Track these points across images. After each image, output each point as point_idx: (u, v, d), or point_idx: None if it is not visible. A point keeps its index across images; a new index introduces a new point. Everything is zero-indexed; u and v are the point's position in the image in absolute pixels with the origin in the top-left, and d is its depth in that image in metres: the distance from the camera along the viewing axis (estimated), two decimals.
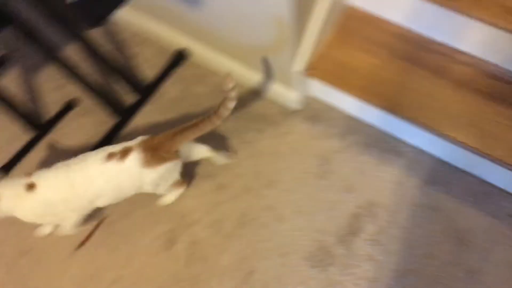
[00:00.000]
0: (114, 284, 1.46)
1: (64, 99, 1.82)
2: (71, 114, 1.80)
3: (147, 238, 1.52)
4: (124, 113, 1.75)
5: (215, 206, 1.56)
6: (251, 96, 1.76)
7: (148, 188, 1.39)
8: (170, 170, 1.38)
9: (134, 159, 1.30)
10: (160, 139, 1.34)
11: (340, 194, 1.54)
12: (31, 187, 1.30)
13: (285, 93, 1.69)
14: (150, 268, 1.47)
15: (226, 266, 1.46)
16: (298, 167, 1.61)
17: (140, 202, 1.56)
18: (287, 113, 1.72)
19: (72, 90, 1.83)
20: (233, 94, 1.31)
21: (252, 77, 1.72)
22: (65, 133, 1.75)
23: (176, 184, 1.50)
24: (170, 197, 1.57)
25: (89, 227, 1.56)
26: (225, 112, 1.33)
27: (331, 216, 1.51)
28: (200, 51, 1.81)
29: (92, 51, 1.53)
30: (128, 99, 1.78)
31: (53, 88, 1.86)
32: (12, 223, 1.44)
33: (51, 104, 1.82)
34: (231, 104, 1.32)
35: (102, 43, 1.92)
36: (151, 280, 1.45)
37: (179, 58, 1.87)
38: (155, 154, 1.32)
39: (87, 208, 1.41)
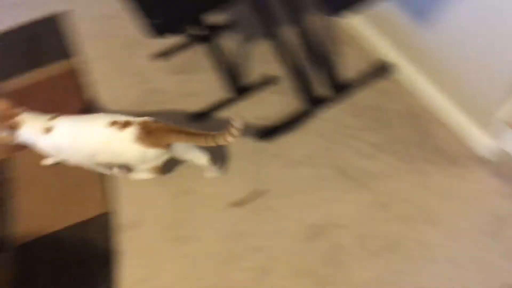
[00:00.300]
0: (254, 250, 1.54)
1: (266, 73, 1.96)
2: (266, 89, 1.93)
3: (296, 223, 1.58)
4: (314, 104, 1.82)
5: (369, 220, 1.55)
6: (435, 124, 1.69)
7: (130, 162, 1.57)
8: (154, 156, 1.53)
9: (130, 133, 1.48)
10: (158, 127, 1.49)
11: (502, 261, 1.42)
12: (48, 130, 1.54)
13: (479, 136, 1.59)
14: (289, 252, 1.53)
15: (360, 282, 1.45)
16: (466, 216, 1.51)
17: (303, 188, 1.63)
18: (472, 157, 1.62)
19: (276, 68, 1.96)
20: (236, 133, 1.42)
21: (443, 103, 1.66)
22: (253, 103, 1.89)
23: (153, 169, 1.65)
24: (139, 175, 1.71)
25: (252, 193, 1.67)
26: (220, 141, 1.44)
27: (483, 278, 1.40)
28: (408, 71, 1.80)
29: (306, 38, 1.62)
30: (321, 92, 1.85)
31: (261, 61, 2.01)
32: (179, 167, 1.62)
33: (253, 74, 1.98)
34: (229, 139, 1.43)
35: (317, 33, 2.02)
36: (285, 262, 1.51)
37: (383, 70, 1.88)
38: (148, 136, 1.48)
39: (88, 162, 1.62)
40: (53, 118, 1.57)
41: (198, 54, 2.07)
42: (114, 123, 1.50)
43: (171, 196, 1.71)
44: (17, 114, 1.56)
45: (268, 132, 1.77)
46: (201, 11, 1.44)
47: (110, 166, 1.76)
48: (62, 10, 2.35)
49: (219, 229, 1.60)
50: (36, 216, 1.74)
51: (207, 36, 1.92)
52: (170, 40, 2.11)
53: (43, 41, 2.24)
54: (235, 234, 1.59)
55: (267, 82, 1.94)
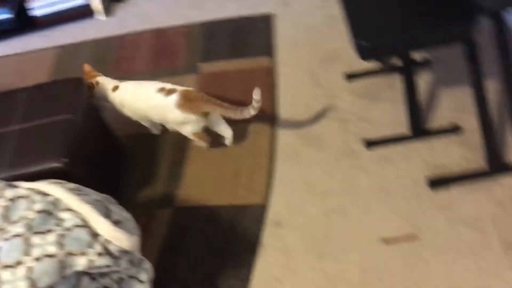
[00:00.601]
0: None
1: (452, 120, 1.88)
2: (447, 137, 1.85)
3: (445, 282, 1.49)
4: (498, 168, 1.70)
5: None
6: None
7: (173, 126, 1.91)
8: (191, 121, 1.82)
9: (172, 99, 1.79)
10: (197, 97, 1.79)
11: None
12: (115, 88, 1.94)
13: None
14: None
15: None
16: None
17: (461, 249, 1.54)
18: None
19: (464, 119, 1.87)
20: (257, 105, 1.74)
21: None
22: (429, 147, 1.83)
23: (197, 136, 1.91)
24: (195, 142, 1.98)
25: (406, 235, 1.63)
26: (246, 115, 1.77)
27: None
28: None
29: None
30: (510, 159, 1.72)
31: (449, 107, 1.94)
32: None
33: (438, 119, 1.91)
34: (253, 112, 1.76)
35: None
36: None
37: None
38: (188, 103, 1.78)
39: (145, 118, 1.97)
40: (120, 82, 1.98)
41: (385, 83, 2.08)
42: (162, 89, 1.83)
43: (324, 210, 1.74)
44: (96, 76, 1.99)
45: (439, 181, 1.71)
46: (414, 46, 1.45)
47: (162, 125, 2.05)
48: (270, 12, 2.53)
49: (362, 259, 1.59)
50: (201, 187, 1.92)
51: (404, 68, 1.91)
52: (367, 63, 2.14)
53: (248, 36, 2.44)
54: (376, 270, 1.56)
55: (450, 130, 1.86)
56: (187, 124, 1.86)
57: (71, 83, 1.84)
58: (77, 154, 1.67)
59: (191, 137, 1.93)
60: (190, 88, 1.84)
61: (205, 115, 1.83)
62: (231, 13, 2.59)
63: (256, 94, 1.73)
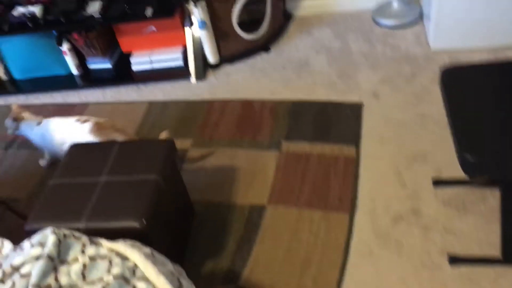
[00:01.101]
0: None
1: None
2: None
3: None
4: None
5: None
6: None
7: None
8: None
9: (87, 126, 2.18)
10: (108, 125, 2.19)
11: None
12: (39, 123, 2.32)
13: None
14: None
15: None
16: None
17: None
18: None
19: None
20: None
21: None
22: None
23: None
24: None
25: None
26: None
27: None
28: None
29: None
30: None
31: None
32: None
33: None
34: None
35: None
36: None
37: None
38: (99, 130, 2.16)
39: (59, 149, 2.28)
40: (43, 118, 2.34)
41: (477, 195, 1.96)
42: (78, 120, 2.22)
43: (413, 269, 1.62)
44: (22, 112, 2.32)
45: None
46: None
47: None
48: (359, 101, 2.53)
49: None
50: (268, 270, 1.85)
51: (504, 185, 1.80)
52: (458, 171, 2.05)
53: (334, 121, 2.43)
54: None
55: None
56: None
57: (163, 145, 1.88)
58: (155, 217, 1.67)
59: None
60: (102, 119, 2.24)
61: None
62: (319, 96, 2.61)
63: (164, 135, 2.30)
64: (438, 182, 2.03)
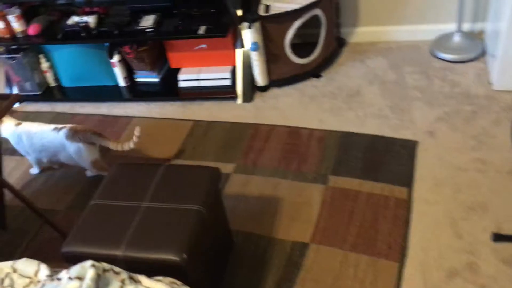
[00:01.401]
0: None
1: None
2: None
3: None
4: None
5: None
6: None
7: (72, 156, 2.30)
8: (82, 150, 2.25)
9: (63, 132, 2.24)
10: (83, 130, 2.25)
11: None
12: (18, 124, 2.36)
13: None
14: None
15: None
16: None
17: None
18: None
19: None
20: (135, 140, 2.27)
21: None
22: None
23: (97, 165, 2.34)
24: (89, 173, 2.49)
25: None
26: (125, 147, 2.29)
27: None
28: None
29: None
30: None
31: None
32: None
33: None
34: (131, 146, 2.28)
35: None
36: None
37: None
38: (75, 134, 2.22)
39: (39, 154, 2.37)
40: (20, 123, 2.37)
41: None
42: (55, 128, 2.27)
43: None
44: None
45: None
46: None
47: (54, 163, 2.53)
48: (413, 138, 2.39)
49: None
50: None
51: None
52: None
53: (385, 158, 2.31)
54: None
55: None
56: (82, 154, 2.27)
57: (208, 172, 1.80)
58: (195, 249, 1.59)
59: (91, 168, 2.35)
60: (76, 125, 2.30)
61: (92, 144, 2.28)
62: (370, 129, 2.49)
63: (137, 131, 2.26)
64: (498, 237, 1.88)
